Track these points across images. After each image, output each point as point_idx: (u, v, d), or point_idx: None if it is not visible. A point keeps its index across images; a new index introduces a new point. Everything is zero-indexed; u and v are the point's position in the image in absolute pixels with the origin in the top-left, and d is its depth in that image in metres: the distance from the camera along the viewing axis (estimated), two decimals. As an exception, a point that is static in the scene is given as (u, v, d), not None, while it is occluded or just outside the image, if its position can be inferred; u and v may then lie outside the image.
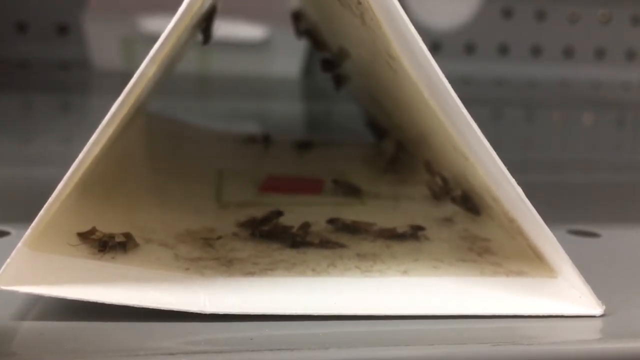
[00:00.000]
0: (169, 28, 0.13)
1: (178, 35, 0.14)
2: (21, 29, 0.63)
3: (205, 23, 0.23)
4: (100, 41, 0.61)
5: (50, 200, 0.13)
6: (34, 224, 0.13)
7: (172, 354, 0.12)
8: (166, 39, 0.13)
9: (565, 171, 0.33)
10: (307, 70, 0.64)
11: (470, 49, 0.74)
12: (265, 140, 0.32)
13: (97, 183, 0.17)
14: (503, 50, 0.75)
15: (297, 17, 0.30)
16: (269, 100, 0.57)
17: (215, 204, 0.21)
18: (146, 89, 0.16)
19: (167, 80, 0.30)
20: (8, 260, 0.13)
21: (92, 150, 0.13)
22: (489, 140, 0.15)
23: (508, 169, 0.15)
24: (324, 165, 0.28)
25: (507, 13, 0.74)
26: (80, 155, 0.13)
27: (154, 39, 0.13)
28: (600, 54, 0.77)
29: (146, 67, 0.13)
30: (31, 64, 0.61)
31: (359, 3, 0.15)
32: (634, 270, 0.18)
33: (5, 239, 0.18)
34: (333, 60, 0.27)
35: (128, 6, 0.60)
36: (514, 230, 0.17)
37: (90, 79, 0.60)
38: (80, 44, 0.61)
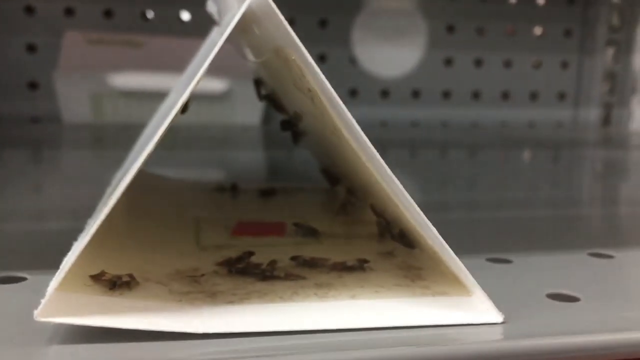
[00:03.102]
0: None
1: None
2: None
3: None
4: (70, 97, 0.64)
5: (76, 250, 0.17)
6: (64, 270, 0.17)
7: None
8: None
9: (502, 209, 0.38)
10: (265, 119, 0.69)
11: (416, 94, 0.80)
12: (233, 189, 0.36)
13: (99, 233, 0.21)
14: (446, 95, 0.81)
15: (258, 83, 0.34)
16: (232, 148, 0.61)
17: (196, 247, 0.25)
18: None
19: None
20: (45, 298, 0.17)
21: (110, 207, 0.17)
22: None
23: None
24: (285, 211, 0.32)
25: (449, 61, 0.80)
26: (102, 215, 0.17)
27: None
28: (533, 97, 0.84)
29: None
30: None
31: (309, 90, 0.19)
32: (533, 288, 0.22)
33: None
34: (290, 120, 0.32)
35: (96, 64, 0.64)
36: (438, 260, 0.21)
37: (60, 132, 0.64)
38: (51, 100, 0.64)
